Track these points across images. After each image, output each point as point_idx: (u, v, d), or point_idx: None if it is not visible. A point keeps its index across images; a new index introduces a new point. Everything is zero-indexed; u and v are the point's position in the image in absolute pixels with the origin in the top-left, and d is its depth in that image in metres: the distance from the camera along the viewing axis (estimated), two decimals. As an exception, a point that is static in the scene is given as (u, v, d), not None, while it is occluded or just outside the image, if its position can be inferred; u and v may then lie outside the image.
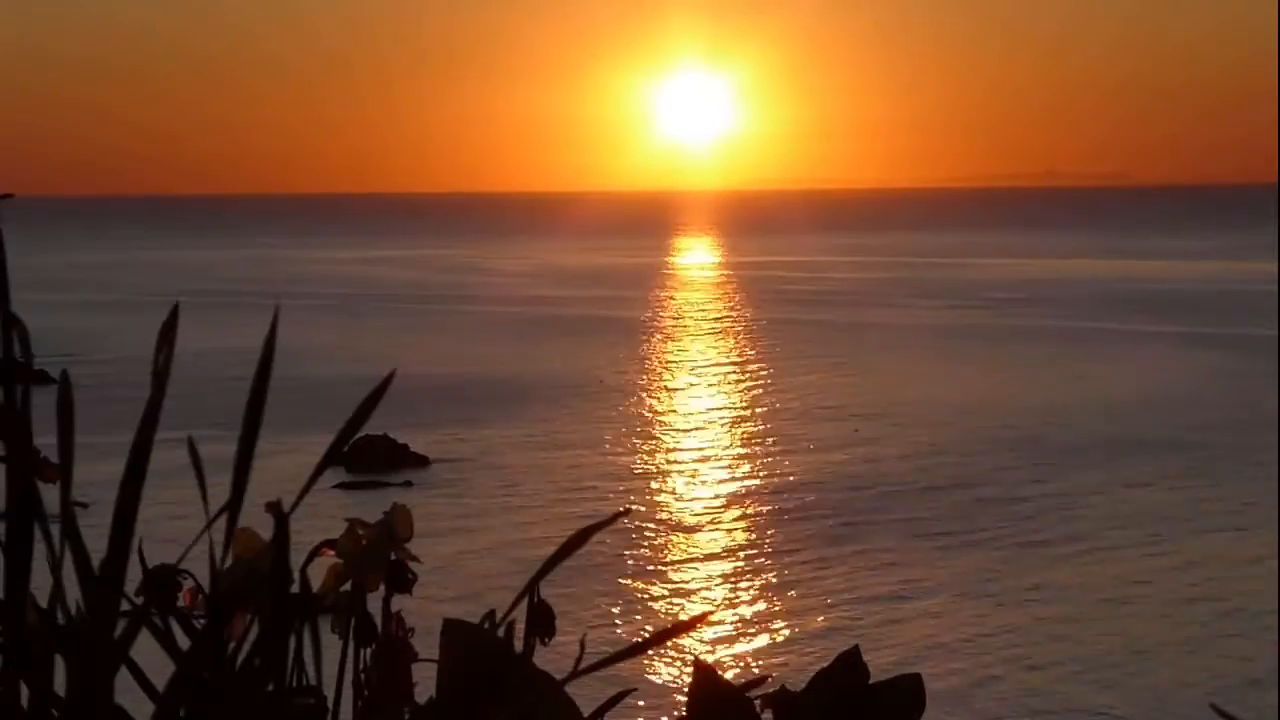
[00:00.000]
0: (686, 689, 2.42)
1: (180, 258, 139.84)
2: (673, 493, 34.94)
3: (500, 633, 2.17)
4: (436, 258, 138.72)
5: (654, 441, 41.16)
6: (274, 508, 1.89)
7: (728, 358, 61.23)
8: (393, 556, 2.33)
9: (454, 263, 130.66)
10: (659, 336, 68.72)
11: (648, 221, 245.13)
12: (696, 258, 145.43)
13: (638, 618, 25.04)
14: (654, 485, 35.59)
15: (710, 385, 53.08)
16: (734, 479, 36.62)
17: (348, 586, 2.32)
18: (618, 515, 1.92)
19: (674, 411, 46.66)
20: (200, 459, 1.99)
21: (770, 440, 41.70)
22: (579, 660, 2.04)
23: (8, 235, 1.89)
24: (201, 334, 59.24)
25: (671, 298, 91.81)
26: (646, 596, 26.58)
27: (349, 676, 2.29)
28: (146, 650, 1.97)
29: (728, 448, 40.66)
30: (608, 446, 40.11)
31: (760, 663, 23.07)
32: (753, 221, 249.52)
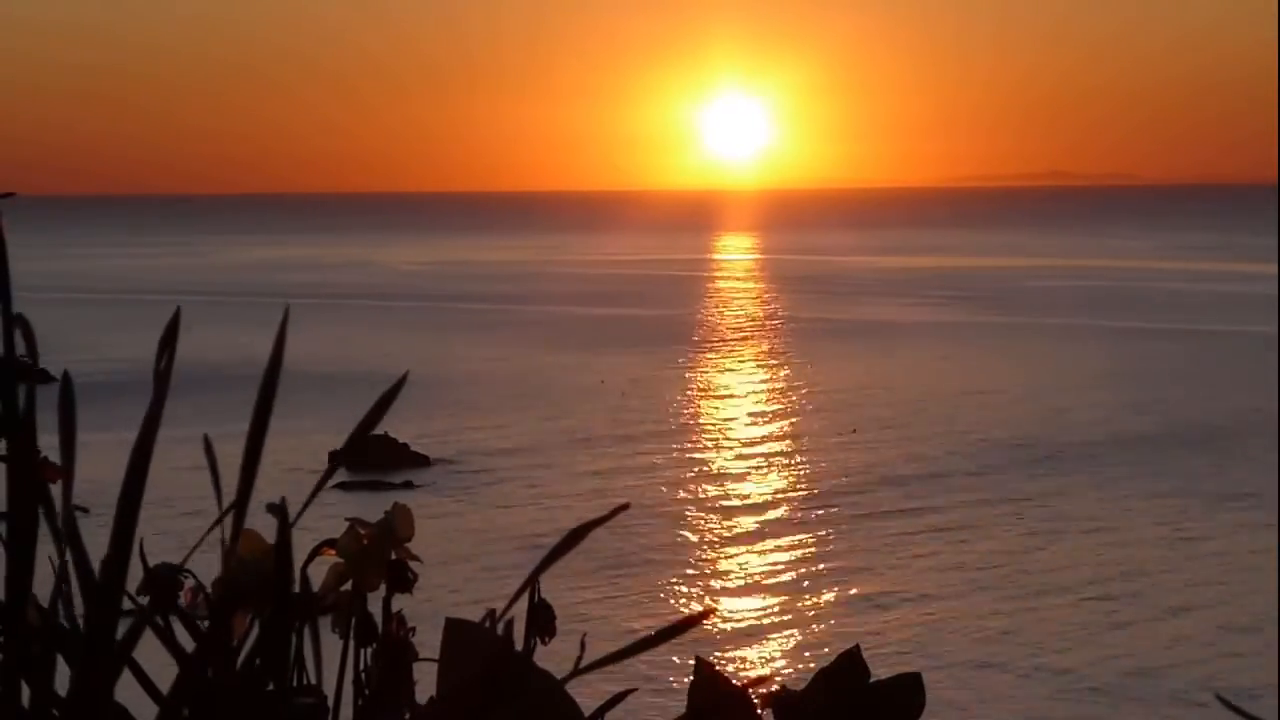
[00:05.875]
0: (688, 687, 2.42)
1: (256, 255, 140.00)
2: (672, 489, 34.93)
3: (500, 630, 2.17)
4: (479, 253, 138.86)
5: (654, 440, 41.15)
6: (276, 509, 1.89)
7: (730, 357, 61.23)
8: (393, 556, 2.33)
9: (490, 260, 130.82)
10: (659, 336, 68.68)
11: (681, 220, 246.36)
12: (710, 255, 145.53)
13: (637, 616, 25.04)
14: (653, 483, 35.58)
15: (711, 384, 53.08)
16: (733, 476, 36.62)
17: (348, 586, 2.32)
18: (616, 511, 1.92)
19: (673, 410, 46.64)
20: (216, 459, 1.99)
21: (768, 438, 41.71)
22: (579, 659, 2.04)
23: (12, 234, 1.89)
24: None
25: (675, 296, 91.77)
26: (645, 593, 26.57)
27: (349, 676, 2.29)
28: (147, 650, 1.97)
29: (728, 445, 40.66)
30: (609, 445, 40.11)
31: (759, 659, 23.09)
32: (771, 220, 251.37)
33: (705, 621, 24.68)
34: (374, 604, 2.35)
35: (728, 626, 25.02)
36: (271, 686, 1.96)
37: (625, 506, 2.00)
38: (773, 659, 23.42)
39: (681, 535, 30.89)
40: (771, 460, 38.80)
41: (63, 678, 1.88)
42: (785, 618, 25.58)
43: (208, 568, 2.19)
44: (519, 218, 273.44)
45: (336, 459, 1.93)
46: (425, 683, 2.30)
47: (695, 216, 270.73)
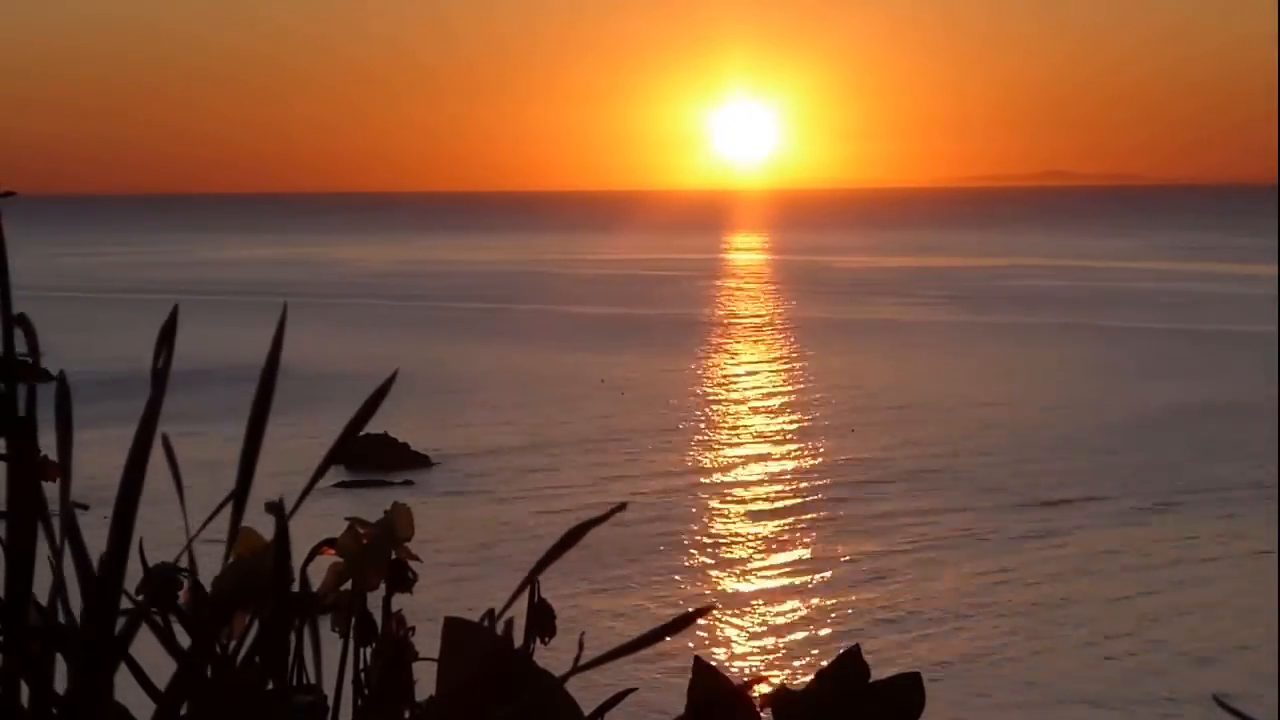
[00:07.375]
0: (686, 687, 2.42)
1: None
2: (672, 489, 34.93)
3: (499, 629, 2.17)
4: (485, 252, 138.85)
5: (653, 439, 41.15)
6: (274, 507, 1.89)
7: (730, 356, 61.23)
8: (393, 555, 2.33)
9: (490, 259, 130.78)
10: (659, 335, 68.68)
11: (690, 219, 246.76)
12: (717, 255, 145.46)
13: (634, 614, 25.05)
14: (653, 482, 35.58)
15: (711, 383, 53.09)
16: (731, 476, 36.63)
17: (348, 585, 2.33)
18: (614, 510, 1.92)
19: (672, 409, 46.63)
20: (175, 457, 1.99)
21: (767, 438, 41.71)
22: (578, 657, 2.04)
23: (11, 233, 1.90)
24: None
25: (678, 295, 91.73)
26: (642, 591, 26.57)
27: (349, 675, 2.29)
28: (148, 649, 1.97)
29: (727, 445, 40.66)
30: (609, 444, 40.12)
31: (757, 658, 23.10)
32: (779, 220, 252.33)
33: (703, 619, 24.71)
34: (374, 603, 2.35)
35: (726, 625, 25.03)
36: (271, 685, 1.96)
37: (623, 506, 2.00)
38: (770, 658, 23.43)
39: (678, 534, 30.89)
40: (770, 460, 38.80)
41: (62, 677, 1.88)
42: (782, 617, 25.59)
43: (213, 567, 2.19)
44: (527, 217, 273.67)
45: (329, 457, 1.94)
46: (425, 682, 2.30)
47: (704, 216, 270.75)
